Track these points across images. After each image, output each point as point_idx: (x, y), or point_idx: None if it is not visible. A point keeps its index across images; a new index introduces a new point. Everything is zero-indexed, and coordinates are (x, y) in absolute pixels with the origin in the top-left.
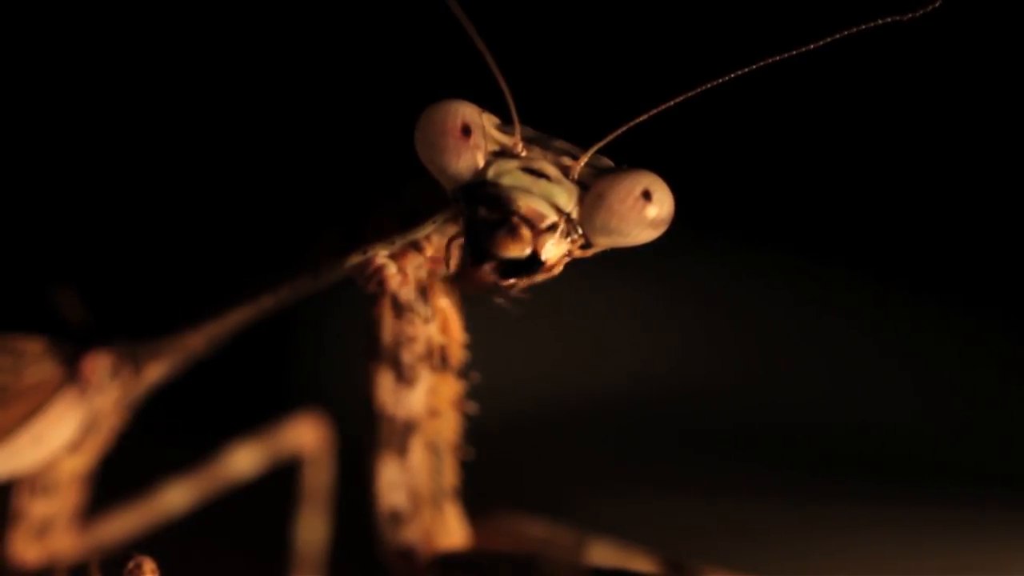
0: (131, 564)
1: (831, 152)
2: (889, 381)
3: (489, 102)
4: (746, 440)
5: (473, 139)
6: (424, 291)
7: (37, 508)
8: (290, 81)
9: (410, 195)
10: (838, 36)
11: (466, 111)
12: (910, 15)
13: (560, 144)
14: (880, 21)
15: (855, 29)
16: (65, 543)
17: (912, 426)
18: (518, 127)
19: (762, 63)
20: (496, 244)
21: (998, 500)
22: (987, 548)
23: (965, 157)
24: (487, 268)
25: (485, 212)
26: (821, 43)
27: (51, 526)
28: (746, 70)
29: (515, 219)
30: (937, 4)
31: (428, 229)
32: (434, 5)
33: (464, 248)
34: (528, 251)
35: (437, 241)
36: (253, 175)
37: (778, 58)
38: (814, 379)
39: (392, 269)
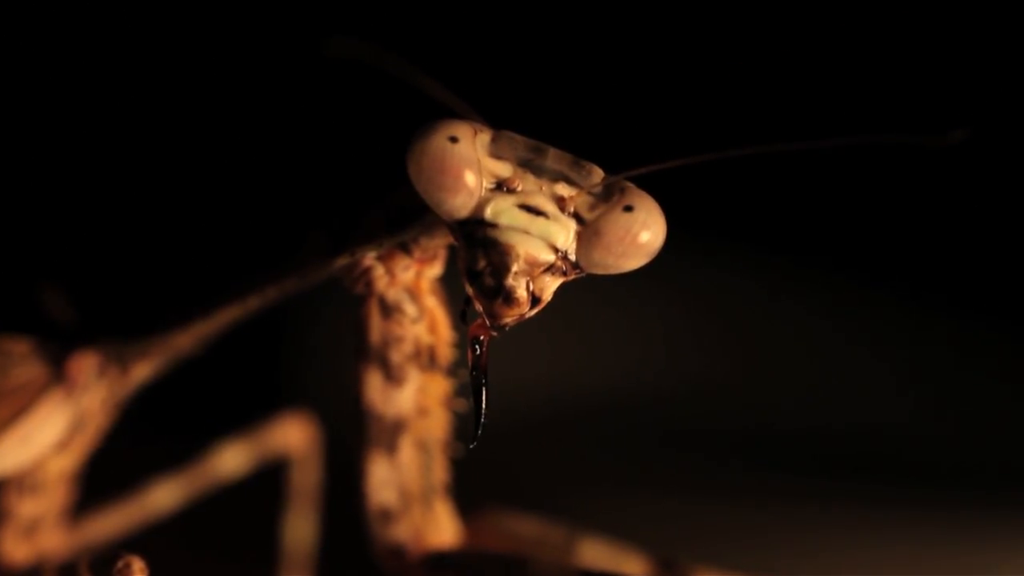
0: (120, 563)
1: (825, 153)
2: (884, 382)
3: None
4: (740, 441)
5: (470, 179)
6: (411, 291)
7: (25, 508)
8: (279, 80)
9: (398, 197)
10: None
11: (463, 152)
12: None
13: (552, 163)
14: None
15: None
16: (53, 542)
17: (908, 427)
18: (514, 158)
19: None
20: (495, 314)
21: (997, 500)
22: (986, 548)
23: (961, 158)
24: (484, 322)
25: (484, 261)
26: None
27: (39, 525)
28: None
29: (511, 282)
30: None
31: (415, 231)
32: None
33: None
34: (527, 309)
35: (424, 242)
36: (241, 175)
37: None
38: (809, 381)
39: (380, 271)
